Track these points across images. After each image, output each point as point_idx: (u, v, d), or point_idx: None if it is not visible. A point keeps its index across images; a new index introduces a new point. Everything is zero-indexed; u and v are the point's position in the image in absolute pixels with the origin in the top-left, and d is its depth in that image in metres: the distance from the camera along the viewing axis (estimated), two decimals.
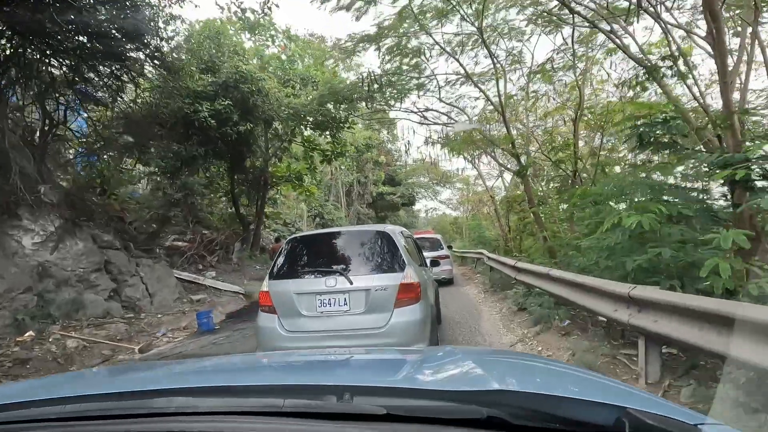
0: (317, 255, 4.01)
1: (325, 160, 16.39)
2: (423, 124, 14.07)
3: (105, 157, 8.99)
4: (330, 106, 13.33)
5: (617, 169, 10.46)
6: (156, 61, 7.47)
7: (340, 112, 13.74)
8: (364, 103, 13.76)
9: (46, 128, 7.71)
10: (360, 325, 3.57)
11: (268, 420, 0.74)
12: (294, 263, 4.00)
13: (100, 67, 7.50)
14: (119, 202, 10.69)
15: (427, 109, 13.01)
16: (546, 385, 1.14)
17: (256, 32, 14.54)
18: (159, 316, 7.93)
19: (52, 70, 7.48)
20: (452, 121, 13.21)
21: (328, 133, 15.11)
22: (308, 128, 14.72)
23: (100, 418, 0.82)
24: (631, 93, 9.07)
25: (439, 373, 1.29)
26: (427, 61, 11.63)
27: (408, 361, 1.55)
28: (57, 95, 7.78)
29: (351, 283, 3.61)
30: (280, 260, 3.99)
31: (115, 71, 7.56)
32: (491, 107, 13.78)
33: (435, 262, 6.06)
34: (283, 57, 15.06)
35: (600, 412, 0.74)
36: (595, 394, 0.98)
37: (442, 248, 12.12)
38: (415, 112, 12.88)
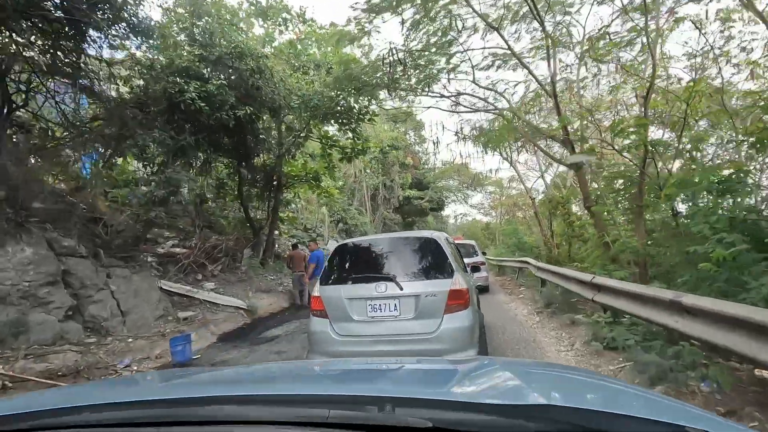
0: (366, 261, 4.07)
1: (345, 158, 14.77)
2: (454, 112, 12.21)
3: (86, 150, 7.61)
4: (349, 97, 11.78)
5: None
6: (122, 24, 6.06)
7: (359, 100, 12.12)
8: (385, 91, 12.10)
9: (4, 111, 6.38)
10: (410, 330, 3.60)
11: (313, 431, 0.74)
12: (344, 269, 4.09)
13: (62, 41, 6.15)
14: (119, 204, 9.44)
15: (459, 94, 11.14)
16: (598, 401, 1.08)
17: (269, 17, 13.16)
18: (130, 340, 6.42)
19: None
20: (490, 107, 11.29)
21: (346, 128, 13.53)
22: (323, 120, 13.16)
23: (151, 424, 0.83)
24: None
25: (483, 385, 1.27)
26: (459, 33, 9.81)
27: (450, 372, 1.53)
28: (17, 71, 6.47)
29: (401, 288, 3.66)
30: (330, 266, 4.11)
31: (77, 41, 6.18)
32: (535, 90, 11.79)
33: (476, 268, 5.78)
34: (298, 46, 13.64)
35: (657, 431, 0.73)
36: (651, 411, 0.91)
37: (478, 254, 11.57)
38: (447, 97, 11.03)
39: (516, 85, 18.11)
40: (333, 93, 11.14)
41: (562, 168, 22.39)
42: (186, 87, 7.33)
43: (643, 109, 8.74)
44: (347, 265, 4.13)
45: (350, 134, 13.88)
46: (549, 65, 9.32)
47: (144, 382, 1.75)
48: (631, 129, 7.77)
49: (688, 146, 7.25)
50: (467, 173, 36.24)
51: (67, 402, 0.99)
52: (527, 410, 0.82)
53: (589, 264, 9.52)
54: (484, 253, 14.28)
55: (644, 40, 8.79)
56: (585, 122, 10.21)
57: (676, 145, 8.35)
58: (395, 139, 31.16)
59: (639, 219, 9.01)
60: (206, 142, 8.50)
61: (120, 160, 9.10)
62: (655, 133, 10.64)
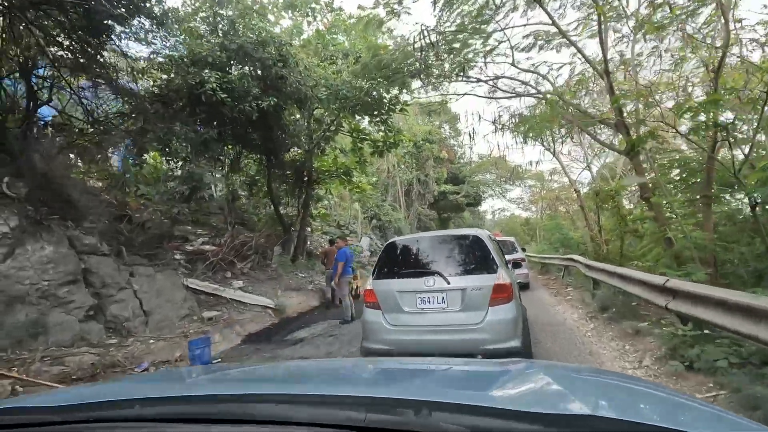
0: (415, 257, 4.31)
1: (376, 152, 14.23)
2: (492, 98, 11.35)
3: (112, 146, 7.49)
4: (379, 87, 11.22)
5: None
6: (143, 16, 5.79)
7: (389, 90, 11.51)
8: (418, 79, 11.43)
9: (30, 108, 6.31)
10: (457, 321, 3.82)
11: None
12: (394, 264, 4.34)
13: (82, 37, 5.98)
14: (149, 201, 9.43)
15: (497, 78, 10.29)
16: (649, 412, 1.00)
17: (296, 8, 12.81)
18: (151, 341, 6.20)
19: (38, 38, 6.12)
20: (531, 92, 10.35)
21: (377, 120, 12.99)
22: (353, 113, 12.67)
23: (198, 421, 0.84)
24: None
25: (525, 391, 1.22)
26: (497, 10, 8.97)
27: (491, 376, 1.46)
28: (44, 67, 6.38)
29: (448, 283, 3.90)
30: (381, 262, 4.40)
31: (99, 36, 5.98)
32: (582, 72, 10.72)
33: (516, 265, 5.78)
34: (326, 36, 13.22)
35: None
36: (709, 426, 0.91)
37: (517, 251, 11.41)
38: (484, 81, 10.21)
39: (560, 67, 16.84)
40: (362, 83, 10.63)
41: (610, 158, 20.80)
42: (207, 78, 7.03)
43: (712, 85, 7.60)
44: (397, 260, 4.38)
45: (381, 127, 13.34)
46: (600, 40, 8.33)
47: (189, 377, 1.75)
48: (699, 107, 6.68)
49: None
50: (505, 166, 34.79)
51: (117, 395, 1.04)
52: (572, 420, 0.80)
53: (650, 262, 8.47)
54: (523, 250, 13.50)
55: (710, 9, 7.64)
56: (642, 103, 9.08)
57: (755, 125, 7.15)
58: (429, 133, 30.32)
59: (707, 211, 7.87)
60: (231, 136, 8.20)
61: (152, 156, 8.99)
62: (726, 114, 9.32)
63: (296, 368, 1.86)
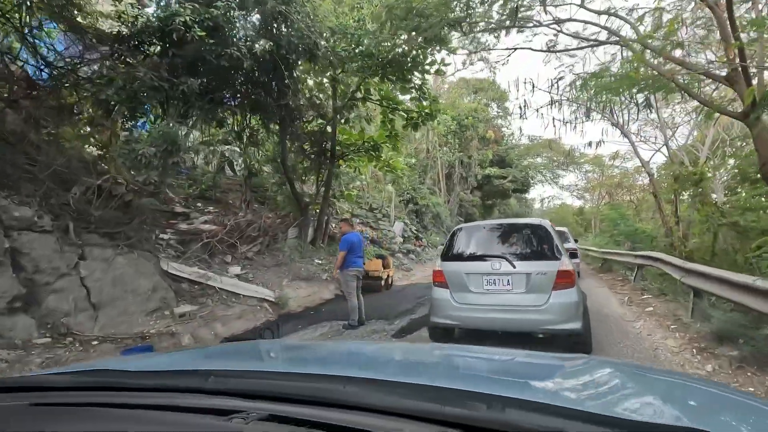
0: (482, 242, 4.61)
1: (410, 125, 12.30)
2: (551, 52, 9.04)
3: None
4: (406, 38, 9.29)
5: None
6: None
7: (422, 46, 9.52)
8: (457, 30, 9.34)
9: None
10: (521, 302, 4.09)
11: (425, 426, 0.71)
12: (462, 248, 4.68)
13: None
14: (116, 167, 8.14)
15: (560, 21, 8.00)
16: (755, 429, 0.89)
17: None
18: (95, 342, 4.87)
19: None
20: (606, 39, 7.97)
21: (411, 86, 11.07)
22: (381, 75, 10.82)
23: (265, 398, 0.83)
24: None
25: (602, 392, 1.11)
26: None
27: (559, 372, 1.38)
28: None
29: (514, 267, 4.17)
30: (450, 245, 4.78)
31: None
32: (678, 10, 8.14)
33: (572, 255, 5.29)
34: None
35: None
36: None
37: (570, 241, 10.59)
38: (546, 25, 7.97)
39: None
40: (387, 35, 8.73)
41: (682, 137, 17.49)
42: (180, 9, 5.47)
43: None
44: (465, 244, 4.67)
45: (414, 93, 11.39)
46: None
47: (260, 351, 1.75)
48: None
49: None
50: (559, 149, 31.46)
51: (190, 365, 1.17)
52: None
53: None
54: (576, 241, 12.42)
55: None
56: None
57: None
58: (475, 111, 27.73)
59: None
60: (224, 93, 6.66)
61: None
62: None
63: (362, 351, 1.87)
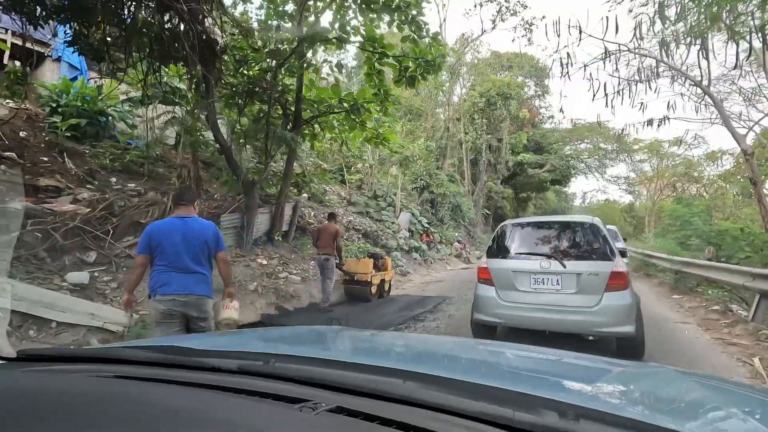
0: (530, 239, 4.49)
1: (404, 79, 8.86)
2: None
3: None
4: None
5: None
6: None
7: None
8: None
9: None
10: (570, 303, 3.98)
11: (485, 427, 0.67)
12: (509, 245, 4.57)
13: None
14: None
15: None
16: None
17: None
18: None
19: None
20: None
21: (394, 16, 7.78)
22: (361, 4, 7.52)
23: (324, 386, 0.82)
24: None
25: (688, 407, 1.01)
26: None
27: (638, 382, 1.26)
28: None
29: (564, 266, 4.06)
30: (496, 242, 4.69)
31: None
32: None
33: (622, 254, 4.82)
34: None
35: None
36: None
37: (620, 241, 8.87)
38: None
39: None
40: None
41: None
42: None
43: None
44: (512, 241, 4.58)
45: (406, 30, 8.01)
46: None
47: (317, 337, 1.73)
48: None
49: None
50: (606, 134, 26.79)
51: (252, 346, 1.18)
52: None
53: None
54: (624, 240, 10.75)
55: None
56: None
57: None
58: (507, 86, 23.65)
59: None
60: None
61: None
62: None
63: (418, 343, 1.79)
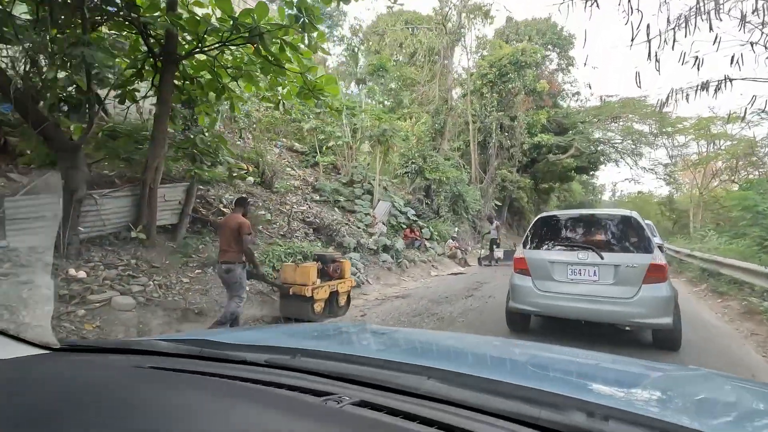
0: (567, 231, 4.67)
1: None
2: None
3: None
4: None
5: None
6: None
7: None
8: None
9: None
10: (608, 293, 4.09)
11: (520, 428, 0.66)
12: (546, 237, 4.74)
13: None
14: None
15: None
16: None
17: None
18: None
19: None
20: None
21: None
22: None
23: (354, 382, 0.84)
24: None
25: (724, 411, 0.95)
26: None
27: (673, 384, 1.20)
28: None
29: (602, 258, 4.18)
30: (533, 233, 4.81)
31: None
32: None
33: (659, 249, 4.81)
34: None
35: None
36: None
37: (656, 236, 7.85)
38: None
39: None
40: None
41: None
42: None
43: None
44: (549, 233, 4.75)
45: None
46: None
47: (342, 334, 1.75)
48: None
49: None
50: (642, 112, 22.53)
51: (280, 342, 1.18)
52: None
53: None
54: (662, 242, 8.67)
55: None
56: None
57: None
58: (522, 53, 19.77)
59: None
60: None
61: None
62: None
63: (441, 340, 1.78)
